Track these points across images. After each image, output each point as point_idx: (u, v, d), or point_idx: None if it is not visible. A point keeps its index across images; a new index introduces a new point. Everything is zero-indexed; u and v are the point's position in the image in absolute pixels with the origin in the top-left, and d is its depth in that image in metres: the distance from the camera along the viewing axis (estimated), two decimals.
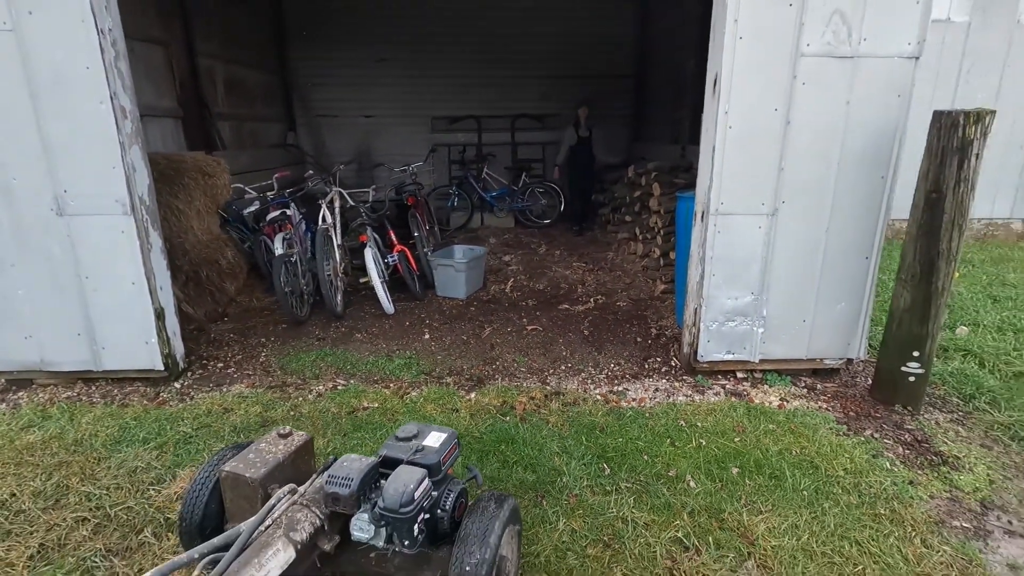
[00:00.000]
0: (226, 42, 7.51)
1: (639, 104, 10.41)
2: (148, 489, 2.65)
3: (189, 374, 3.86)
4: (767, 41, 3.11)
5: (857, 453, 2.89)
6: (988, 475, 2.76)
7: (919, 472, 2.79)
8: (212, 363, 4.03)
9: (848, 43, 3.12)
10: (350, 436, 3.05)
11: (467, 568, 1.71)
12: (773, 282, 3.51)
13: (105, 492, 2.61)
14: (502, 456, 2.84)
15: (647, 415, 3.26)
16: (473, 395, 3.53)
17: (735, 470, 2.75)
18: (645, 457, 2.86)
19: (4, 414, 3.33)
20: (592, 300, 5.28)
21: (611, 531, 2.37)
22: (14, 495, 2.59)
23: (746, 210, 3.38)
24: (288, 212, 5.19)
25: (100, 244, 3.40)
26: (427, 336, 4.53)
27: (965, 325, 4.60)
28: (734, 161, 3.30)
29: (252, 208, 5.41)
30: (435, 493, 1.86)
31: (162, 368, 3.64)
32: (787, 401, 3.46)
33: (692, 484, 2.66)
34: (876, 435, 3.11)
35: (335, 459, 1.90)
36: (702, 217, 3.49)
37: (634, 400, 3.48)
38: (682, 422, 3.17)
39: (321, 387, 3.67)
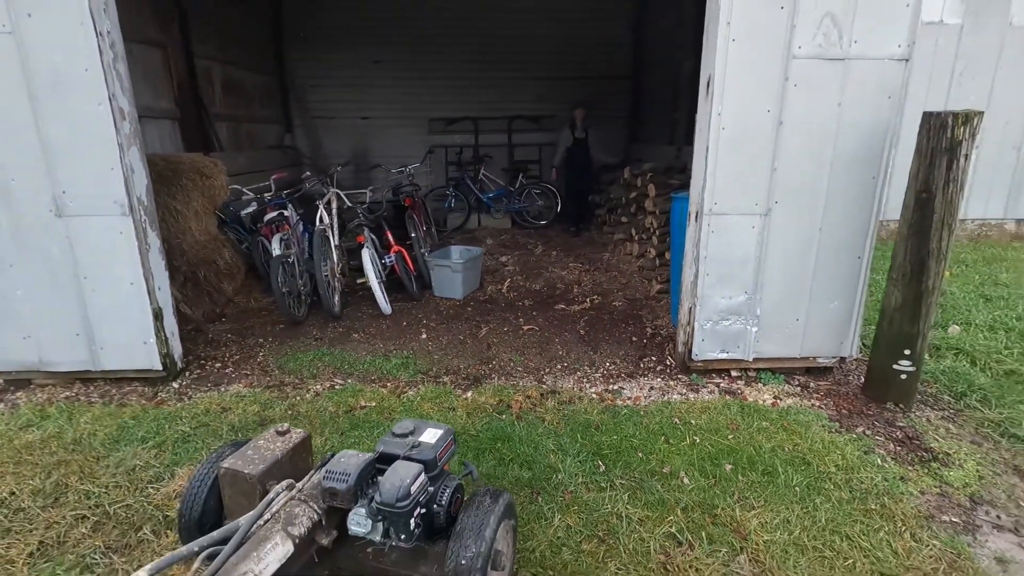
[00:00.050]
0: (224, 44, 7.53)
1: (636, 105, 10.46)
2: (147, 487, 2.67)
3: (187, 374, 3.88)
4: (759, 43, 3.15)
5: (849, 450, 2.93)
6: (978, 471, 2.80)
7: (910, 468, 2.83)
8: (210, 363, 4.05)
9: (839, 45, 3.16)
10: (348, 435, 3.08)
11: (463, 562, 1.74)
12: (766, 281, 3.55)
13: (104, 490, 2.63)
14: (498, 454, 2.87)
15: (642, 413, 3.29)
16: (470, 394, 3.56)
17: (728, 467, 2.79)
18: (640, 454, 2.89)
19: (3, 414, 3.34)
20: (588, 300, 5.32)
21: (606, 526, 2.40)
22: (13, 493, 2.61)
23: (740, 210, 3.42)
24: (285, 213, 5.22)
25: (99, 245, 3.42)
26: (424, 336, 4.56)
27: (957, 324, 4.64)
28: (727, 162, 3.34)
29: (249, 209, 5.43)
30: (431, 488, 1.89)
31: (160, 368, 3.66)
32: (780, 399, 3.50)
33: (686, 480, 2.70)
34: (868, 432, 3.15)
35: (332, 455, 1.92)
36: (696, 217, 3.53)
37: (629, 399, 3.51)
38: (676, 420, 3.21)
39: (319, 386, 3.70)
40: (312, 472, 1.94)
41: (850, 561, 2.22)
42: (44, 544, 2.32)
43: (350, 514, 1.79)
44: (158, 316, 3.60)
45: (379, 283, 4.99)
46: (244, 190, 5.49)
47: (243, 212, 5.47)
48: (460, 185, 9.43)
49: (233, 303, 5.26)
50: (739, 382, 3.71)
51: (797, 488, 2.63)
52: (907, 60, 3.18)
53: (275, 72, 9.71)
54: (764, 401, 3.47)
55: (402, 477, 1.75)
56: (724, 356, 3.71)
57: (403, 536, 1.76)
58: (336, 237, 5.15)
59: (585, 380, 3.77)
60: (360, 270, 5.06)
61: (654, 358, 4.06)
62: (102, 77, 3.16)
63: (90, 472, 2.77)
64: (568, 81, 10.09)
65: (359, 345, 4.39)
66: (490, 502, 1.90)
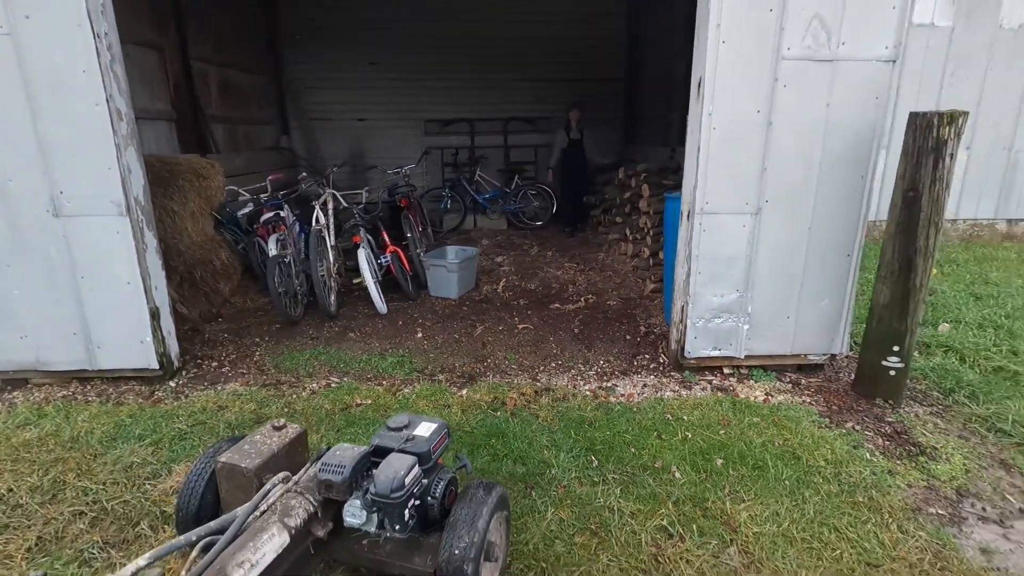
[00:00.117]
0: (220, 46, 7.57)
1: (631, 107, 10.53)
2: (144, 484, 2.69)
3: (184, 373, 3.90)
4: (749, 45, 3.20)
5: (838, 444, 2.97)
6: (964, 465, 2.85)
7: (898, 462, 2.88)
8: (207, 362, 4.07)
9: (827, 47, 3.21)
10: (343, 432, 3.11)
11: (456, 552, 1.77)
12: (757, 280, 3.60)
13: (101, 487, 2.66)
14: (492, 449, 2.91)
15: (635, 410, 3.33)
16: (465, 391, 3.59)
17: (719, 461, 2.83)
18: (632, 449, 2.93)
19: (0, 413, 3.36)
20: (583, 299, 5.36)
21: (598, 520, 2.44)
22: (11, 490, 2.63)
23: (731, 209, 3.47)
24: (282, 214, 5.25)
25: (96, 245, 3.44)
26: (420, 335, 4.59)
27: (947, 322, 4.70)
28: (718, 161, 3.39)
29: (246, 210, 5.46)
30: (425, 481, 1.92)
31: (157, 367, 3.68)
32: (772, 396, 3.54)
33: (677, 475, 2.73)
34: (857, 427, 3.19)
35: (328, 448, 1.96)
36: (688, 216, 3.57)
37: (623, 395, 3.55)
38: (669, 416, 3.25)
39: (315, 385, 3.72)
40: (308, 465, 1.97)
41: (837, 552, 2.26)
42: (42, 539, 2.34)
43: (345, 506, 1.82)
44: (155, 315, 3.62)
45: (375, 283, 5.02)
46: (240, 191, 5.52)
47: (239, 213, 5.50)
48: (456, 186, 9.47)
49: (229, 303, 5.29)
50: (731, 379, 3.76)
51: (787, 482, 2.67)
52: (894, 61, 3.23)
53: (271, 74, 9.74)
54: (756, 398, 3.51)
55: (396, 469, 1.79)
56: (716, 353, 3.75)
57: (397, 527, 1.79)
58: (332, 237, 5.18)
59: (579, 378, 3.81)
60: (356, 270, 5.09)
61: (647, 356, 4.10)
62: (100, 78, 3.19)
63: (87, 469, 2.79)
64: (563, 83, 10.16)
65: (355, 344, 4.42)
66: (483, 494, 1.93)
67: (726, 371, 3.83)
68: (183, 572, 1.44)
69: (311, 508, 1.81)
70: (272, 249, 4.76)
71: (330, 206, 5.24)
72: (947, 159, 2.97)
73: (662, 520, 2.43)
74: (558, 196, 9.15)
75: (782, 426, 3.13)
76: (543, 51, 10.06)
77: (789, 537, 2.34)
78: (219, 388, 3.69)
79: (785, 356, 3.79)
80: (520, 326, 4.73)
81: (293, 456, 2.12)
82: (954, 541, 2.35)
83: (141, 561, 1.40)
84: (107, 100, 3.23)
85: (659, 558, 2.24)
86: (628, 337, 4.46)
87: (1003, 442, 3.06)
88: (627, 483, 2.67)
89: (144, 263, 3.53)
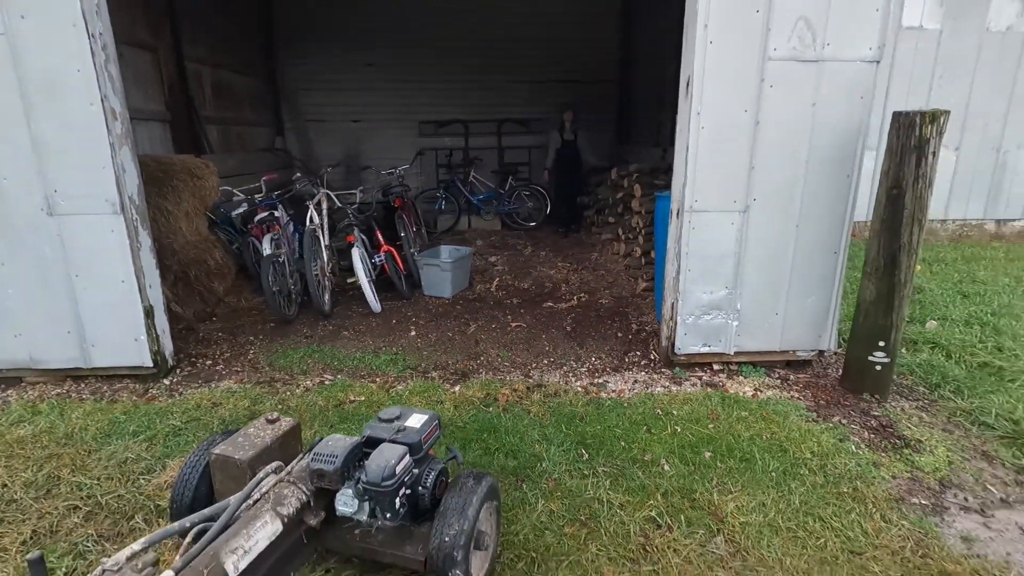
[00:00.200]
0: (215, 47, 7.59)
1: (623, 108, 10.60)
2: (138, 479, 2.72)
3: (178, 371, 3.92)
4: (736, 45, 3.25)
5: (824, 438, 3.02)
6: (948, 456, 2.90)
7: (883, 454, 2.93)
8: (201, 361, 4.09)
9: (813, 48, 3.27)
10: (337, 427, 3.13)
11: (446, 539, 1.81)
12: (746, 277, 3.65)
13: (96, 482, 2.68)
14: (484, 444, 2.94)
15: (625, 405, 3.37)
16: (457, 388, 3.63)
17: (708, 454, 2.87)
18: (622, 443, 2.97)
19: None
20: (575, 298, 5.40)
21: (588, 511, 2.48)
22: (5, 486, 2.64)
23: (719, 207, 3.52)
24: (276, 213, 5.27)
25: (90, 243, 3.46)
26: (413, 333, 4.63)
27: (935, 319, 4.76)
28: (707, 160, 3.44)
29: (240, 210, 5.48)
30: (416, 470, 1.96)
31: (151, 365, 3.70)
32: (760, 391, 3.59)
33: (666, 467, 2.78)
34: (844, 421, 3.24)
35: (320, 439, 1.99)
36: (678, 214, 3.62)
37: (614, 391, 3.59)
38: (659, 411, 3.29)
39: (309, 382, 3.75)
40: (301, 456, 2.00)
41: (821, 540, 2.31)
42: (37, 533, 2.36)
43: (338, 495, 1.85)
44: (149, 314, 3.64)
45: (369, 282, 5.05)
46: (235, 191, 5.54)
47: (234, 213, 5.52)
48: (450, 187, 9.51)
49: (224, 303, 5.30)
50: (721, 375, 3.81)
51: (773, 473, 2.72)
52: (878, 62, 3.29)
53: (266, 76, 9.77)
54: (744, 393, 3.56)
55: (387, 458, 1.82)
56: (706, 350, 3.80)
57: (388, 515, 1.82)
58: (326, 237, 5.21)
59: (571, 374, 3.85)
60: (350, 270, 5.12)
61: (639, 353, 4.15)
62: (94, 78, 3.22)
63: (82, 465, 2.81)
64: (557, 84, 10.23)
65: (349, 342, 4.45)
66: (473, 483, 1.97)
67: (716, 367, 3.88)
68: (177, 557, 1.47)
69: (304, 497, 1.84)
70: (266, 248, 4.79)
71: (324, 206, 5.28)
72: (929, 157, 3.03)
73: (651, 511, 2.47)
74: (552, 197, 9.20)
75: (770, 420, 3.18)
76: (536, 53, 10.13)
77: (775, 526, 2.38)
78: (213, 386, 3.71)
79: (774, 352, 3.84)
80: (513, 324, 4.77)
81: (286, 448, 2.15)
82: (936, 530, 2.40)
83: (136, 546, 1.43)
84: (102, 100, 3.26)
85: (647, 547, 2.28)
86: (620, 335, 4.51)
87: (986, 435, 3.11)
88: (617, 476, 2.71)
89: (138, 262, 3.55)
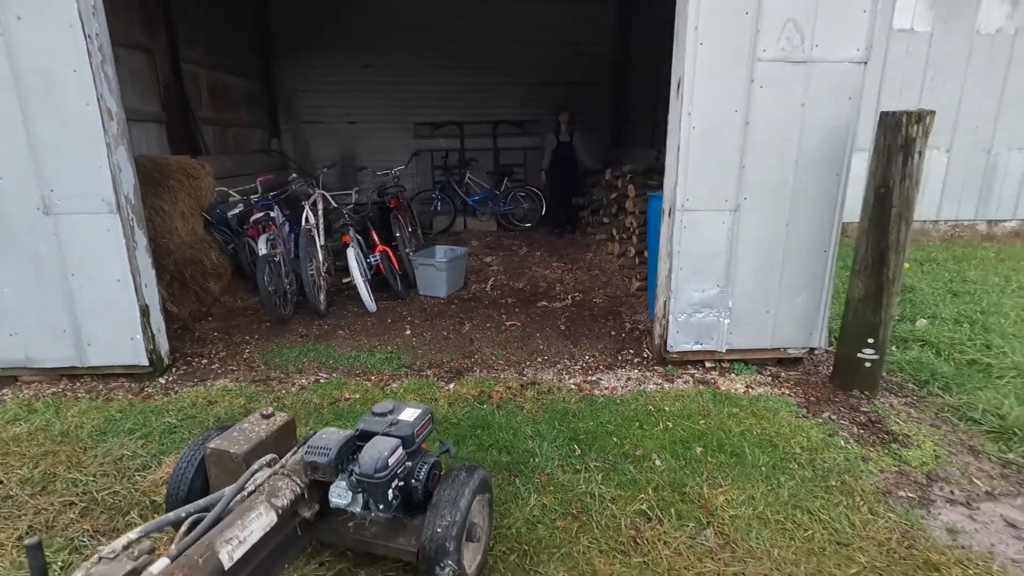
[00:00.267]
0: (210, 49, 7.61)
1: (618, 109, 10.66)
2: (134, 475, 2.73)
3: (174, 370, 3.94)
4: (726, 47, 3.30)
5: (814, 433, 3.06)
6: (935, 451, 2.94)
7: (871, 449, 2.97)
8: (196, 360, 4.11)
9: (801, 49, 3.32)
10: (332, 424, 3.14)
11: (438, 530, 1.84)
12: (737, 275, 3.69)
13: (91, 479, 2.69)
14: (478, 440, 2.97)
15: (618, 402, 3.41)
16: (452, 386, 3.66)
17: (699, 449, 2.91)
18: (614, 439, 3.00)
19: None
20: (569, 297, 5.44)
21: (580, 505, 2.51)
22: (1, 482, 2.66)
23: (710, 206, 3.56)
24: (272, 214, 5.29)
25: (86, 242, 3.48)
26: (408, 332, 4.66)
27: (925, 318, 4.81)
28: (698, 160, 3.48)
29: (236, 210, 5.50)
30: (409, 463, 1.99)
31: (147, 364, 3.71)
32: (752, 388, 3.63)
33: (658, 462, 2.81)
34: (833, 417, 3.28)
35: (314, 433, 2.02)
36: (669, 213, 3.66)
37: (606, 389, 3.63)
38: (651, 407, 3.33)
39: (304, 380, 3.77)
40: (295, 449, 2.03)
41: (809, 532, 2.34)
42: (33, 528, 2.38)
43: (331, 487, 1.88)
44: (145, 312, 3.66)
45: (364, 282, 5.07)
46: (231, 192, 5.56)
47: (229, 213, 5.54)
48: (446, 188, 9.55)
49: (219, 302, 5.32)
50: (713, 373, 3.84)
51: (763, 468, 2.76)
52: (865, 63, 3.35)
53: (262, 77, 9.79)
54: (736, 390, 3.60)
55: (380, 450, 1.85)
56: (698, 348, 3.84)
57: (381, 507, 1.85)
58: (322, 237, 5.23)
59: (564, 372, 3.88)
60: (346, 271, 5.15)
61: (632, 351, 4.18)
62: (91, 78, 3.24)
63: (78, 462, 2.83)
64: (552, 86, 10.27)
65: (344, 341, 4.47)
66: (466, 476, 2.00)
67: (708, 365, 3.92)
68: (172, 546, 1.49)
69: (298, 489, 1.87)
70: (262, 248, 4.81)
71: (320, 206, 5.31)
72: (916, 156, 3.08)
73: (642, 505, 2.50)
74: (547, 198, 9.25)
75: (760, 416, 3.22)
76: (532, 55, 10.18)
77: (763, 519, 2.42)
78: (209, 384, 3.73)
79: (765, 350, 3.88)
80: (508, 323, 4.80)
81: (281, 443, 2.17)
82: (922, 522, 2.44)
83: (132, 535, 1.45)
84: (98, 100, 3.28)
85: (638, 540, 2.31)
86: (613, 333, 4.55)
87: (972, 430, 3.16)
88: (608, 470, 2.75)
89: (134, 261, 3.57)
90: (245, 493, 1.76)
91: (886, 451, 2.95)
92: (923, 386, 3.68)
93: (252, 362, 4.08)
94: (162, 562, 1.39)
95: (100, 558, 1.36)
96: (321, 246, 5.18)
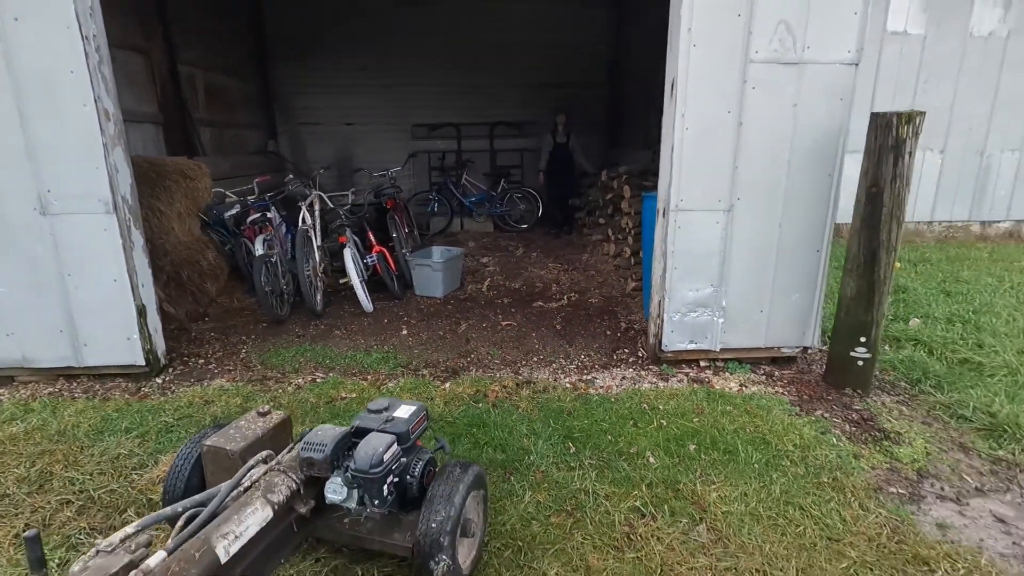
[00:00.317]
0: (207, 50, 7.63)
1: (614, 111, 10.70)
2: (131, 473, 2.75)
3: (170, 370, 3.95)
4: (719, 48, 3.33)
5: (806, 430, 3.09)
6: (926, 448, 2.97)
7: (863, 446, 3.00)
8: (193, 360, 4.12)
9: (793, 50, 3.35)
10: (328, 423, 3.16)
11: (433, 525, 1.86)
12: (731, 275, 3.72)
13: (88, 477, 2.71)
14: (474, 438, 2.99)
15: (613, 400, 3.43)
16: (448, 385, 3.68)
17: (692, 447, 2.93)
18: (609, 437, 3.02)
19: None
20: (565, 297, 5.47)
21: (574, 502, 2.53)
22: None
23: (704, 206, 3.59)
24: (268, 214, 5.31)
25: (83, 242, 3.49)
26: (405, 332, 4.67)
27: (918, 317, 4.85)
28: (692, 160, 3.51)
29: (233, 211, 5.52)
30: (404, 459, 2.01)
31: (143, 364, 3.72)
32: (746, 387, 3.65)
33: (651, 460, 2.83)
34: (826, 415, 3.31)
35: (310, 430, 2.03)
36: (664, 214, 3.69)
37: (601, 387, 3.65)
38: (645, 406, 3.35)
39: (300, 380, 3.79)
40: (291, 445, 2.05)
41: (801, 528, 2.37)
42: (30, 526, 2.38)
43: (327, 483, 1.90)
44: (141, 313, 3.67)
45: (361, 282, 5.09)
46: (227, 193, 5.58)
47: (226, 214, 5.55)
48: (443, 190, 9.58)
49: (216, 303, 5.33)
50: (707, 371, 3.87)
51: (756, 465, 2.78)
52: (857, 64, 3.38)
53: (259, 79, 9.81)
54: (730, 388, 3.62)
55: (375, 446, 1.87)
56: (693, 347, 3.86)
57: (376, 502, 1.87)
58: (319, 238, 5.25)
59: (560, 371, 3.91)
60: (343, 271, 5.16)
61: (627, 350, 4.21)
62: (88, 79, 3.26)
63: (74, 461, 2.84)
64: (548, 88, 10.31)
65: (341, 341, 4.49)
66: (460, 472, 2.02)
67: (702, 364, 3.94)
68: (169, 540, 1.51)
69: (294, 485, 1.88)
70: (259, 249, 4.82)
71: (316, 207, 5.32)
72: (906, 157, 3.11)
73: (635, 501, 2.53)
74: (544, 199, 9.28)
75: (754, 414, 3.25)
76: (528, 57, 10.22)
77: (756, 515, 2.44)
78: (205, 384, 3.74)
79: (759, 349, 3.91)
80: (504, 323, 4.82)
81: (277, 441, 2.19)
82: (912, 517, 2.47)
83: (129, 529, 1.47)
84: (95, 101, 3.29)
85: (631, 536, 2.33)
86: (609, 333, 4.57)
87: (963, 427, 3.19)
88: (603, 468, 2.77)
89: (131, 261, 3.58)
90: (241, 489, 1.77)
91: (878, 448, 2.98)
92: (915, 384, 3.71)
93: (249, 362, 4.09)
94: (159, 555, 1.41)
95: (98, 551, 1.38)
96: (318, 247, 5.20)
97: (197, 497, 1.71)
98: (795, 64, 3.37)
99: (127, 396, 3.57)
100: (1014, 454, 2.93)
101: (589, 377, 3.80)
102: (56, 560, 2.20)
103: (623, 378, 3.79)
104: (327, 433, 1.94)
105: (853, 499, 2.56)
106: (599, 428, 3.10)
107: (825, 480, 2.68)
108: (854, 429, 3.17)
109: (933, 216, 8.29)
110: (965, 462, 2.89)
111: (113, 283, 3.57)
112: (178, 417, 3.25)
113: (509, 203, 9.48)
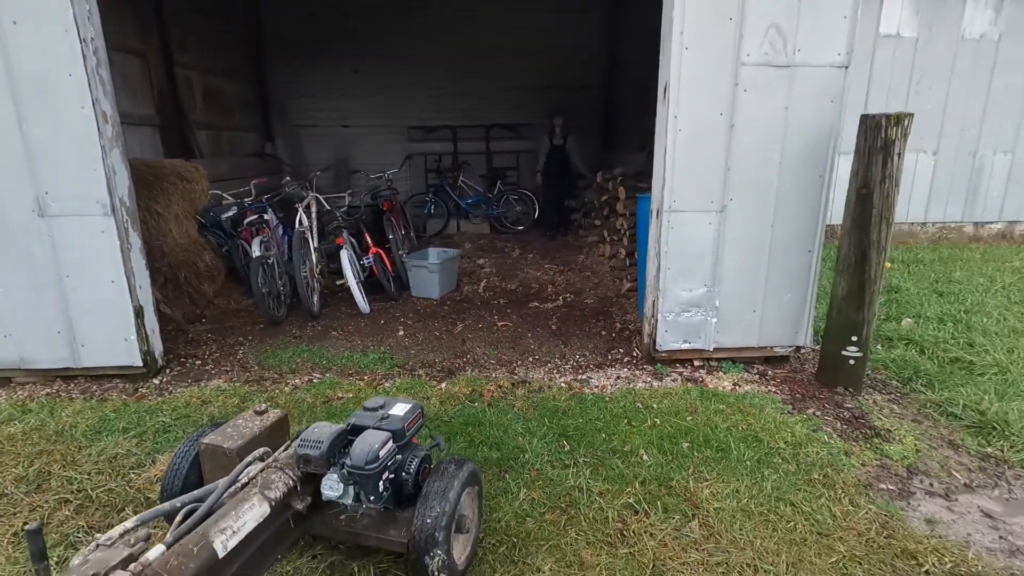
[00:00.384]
0: (204, 53, 7.65)
1: (609, 113, 10.75)
2: (128, 473, 2.77)
3: (167, 371, 3.97)
4: (710, 52, 3.38)
5: (798, 428, 3.12)
6: (916, 445, 3.01)
7: (853, 444, 3.03)
8: (190, 361, 4.14)
9: (784, 53, 3.40)
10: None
11: (428, 521, 1.89)
12: (724, 275, 3.76)
13: (86, 476, 2.73)
14: (469, 436, 3.02)
15: (607, 399, 3.46)
16: (444, 385, 3.70)
17: (685, 445, 2.96)
18: (603, 435, 3.06)
19: None
20: (561, 298, 5.50)
21: (568, 499, 2.56)
22: None
23: (697, 207, 3.63)
24: (265, 216, 5.33)
25: (81, 244, 3.51)
26: (401, 333, 4.70)
27: (910, 317, 4.90)
28: (684, 162, 3.55)
29: (230, 213, 5.53)
30: (400, 456, 2.03)
31: (141, 364, 3.74)
32: (739, 386, 3.69)
33: (645, 457, 2.87)
34: (818, 413, 3.35)
35: (307, 428, 2.06)
36: (657, 215, 3.73)
37: (596, 387, 3.68)
38: (639, 404, 3.38)
39: (297, 380, 3.81)
40: (288, 443, 2.07)
41: (791, 524, 2.40)
42: (24, 530, 2.41)
43: (323, 479, 1.92)
44: (139, 314, 3.69)
45: (357, 283, 5.12)
46: (224, 195, 5.60)
47: (223, 216, 5.56)
48: (439, 191, 9.61)
49: (213, 304, 5.35)
50: (701, 371, 3.91)
51: (748, 462, 2.82)
52: (847, 67, 3.43)
53: (256, 81, 9.83)
54: (723, 387, 3.66)
55: (371, 443, 1.90)
56: (686, 346, 3.90)
57: (372, 498, 1.90)
58: (315, 239, 5.28)
59: (555, 371, 3.94)
60: (339, 272, 5.19)
61: (622, 350, 4.24)
62: (86, 82, 3.28)
63: (72, 460, 2.86)
64: (544, 90, 10.36)
65: (337, 342, 4.51)
66: (454, 468, 2.05)
67: (696, 363, 3.98)
68: (168, 535, 1.53)
69: (290, 482, 1.91)
70: (256, 250, 4.85)
71: (313, 209, 5.35)
72: (895, 158, 3.16)
73: (629, 498, 2.56)
74: (541, 201, 9.32)
75: (746, 412, 3.28)
76: (524, 60, 10.25)
77: (747, 511, 2.48)
78: (203, 384, 3.76)
79: (752, 348, 3.95)
80: (499, 324, 4.85)
81: (274, 439, 2.21)
82: (901, 513, 2.50)
83: (129, 523, 1.49)
84: (93, 103, 3.32)
85: (624, 532, 2.36)
86: (604, 333, 4.61)
87: (953, 425, 3.23)
88: (597, 465, 2.80)
89: (129, 262, 3.60)
90: (239, 485, 1.80)
91: (868, 446, 3.02)
92: (906, 383, 3.75)
93: (246, 363, 4.11)
94: (158, 548, 1.44)
95: (98, 545, 1.40)
96: (315, 248, 5.22)
97: (195, 493, 1.74)
98: (786, 67, 3.42)
99: (124, 397, 3.59)
100: (1002, 451, 2.97)
101: (584, 377, 3.84)
102: (55, 558, 2.22)
103: (618, 377, 3.83)
104: (323, 430, 1.97)
105: (843, 495, 2.59)
106: (593, 427, 3.13)
107: (816, 477, 2.71)
108: (845, 427, 3.21)
109: (927, 217, 8.35)
110: (954, 459, 2.93)
111: (111, 284, 3.59)
112: (175, 417, 3.27)
113: (505, 205, 9.52)
